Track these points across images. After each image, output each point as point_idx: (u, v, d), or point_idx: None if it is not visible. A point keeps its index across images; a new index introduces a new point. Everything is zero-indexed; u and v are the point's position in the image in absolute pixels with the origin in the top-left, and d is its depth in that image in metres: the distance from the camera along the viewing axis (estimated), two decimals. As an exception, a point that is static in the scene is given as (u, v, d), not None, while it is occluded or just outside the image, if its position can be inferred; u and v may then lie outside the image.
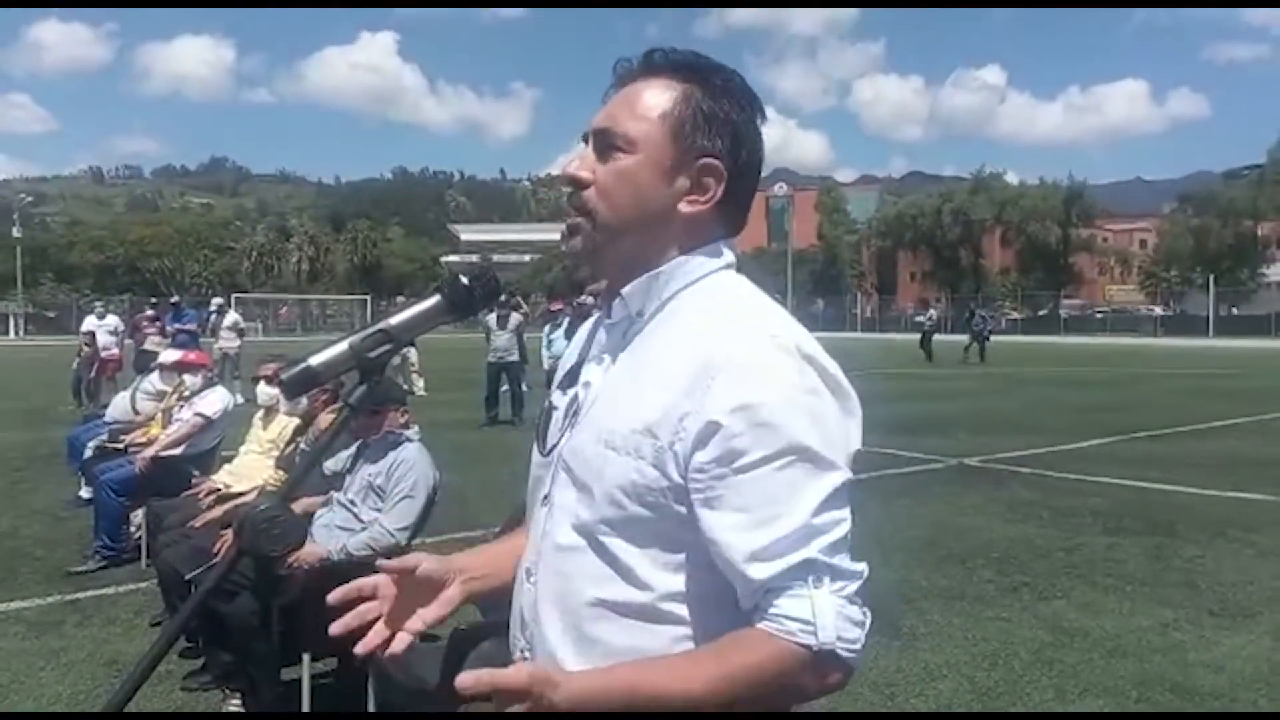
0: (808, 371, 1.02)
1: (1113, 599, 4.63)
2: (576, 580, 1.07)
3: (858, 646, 0.99)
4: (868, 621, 1.01)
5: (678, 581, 1.04)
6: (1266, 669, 3.74)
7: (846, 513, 1.02)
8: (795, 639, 0.97)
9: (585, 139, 1.14)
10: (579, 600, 1.07)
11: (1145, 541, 5.74)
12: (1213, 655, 3.87)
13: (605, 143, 1.11)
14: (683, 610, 1.04)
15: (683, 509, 1.02)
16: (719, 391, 0.99)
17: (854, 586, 1.00)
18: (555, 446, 1.14)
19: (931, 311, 30.04)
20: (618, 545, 1.05)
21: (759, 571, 0.98)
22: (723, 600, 1.03)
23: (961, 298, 59.22)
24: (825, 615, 0.97)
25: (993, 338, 26.55)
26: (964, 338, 26.18)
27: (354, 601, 1.16)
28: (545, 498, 1.14)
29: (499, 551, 1.27)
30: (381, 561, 1.19)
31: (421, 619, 1.16)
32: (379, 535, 3.38)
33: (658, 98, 1.10)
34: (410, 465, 3.52)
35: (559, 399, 1.18)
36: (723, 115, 1.10)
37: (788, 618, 0.97)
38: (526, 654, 1.14)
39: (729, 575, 1.01)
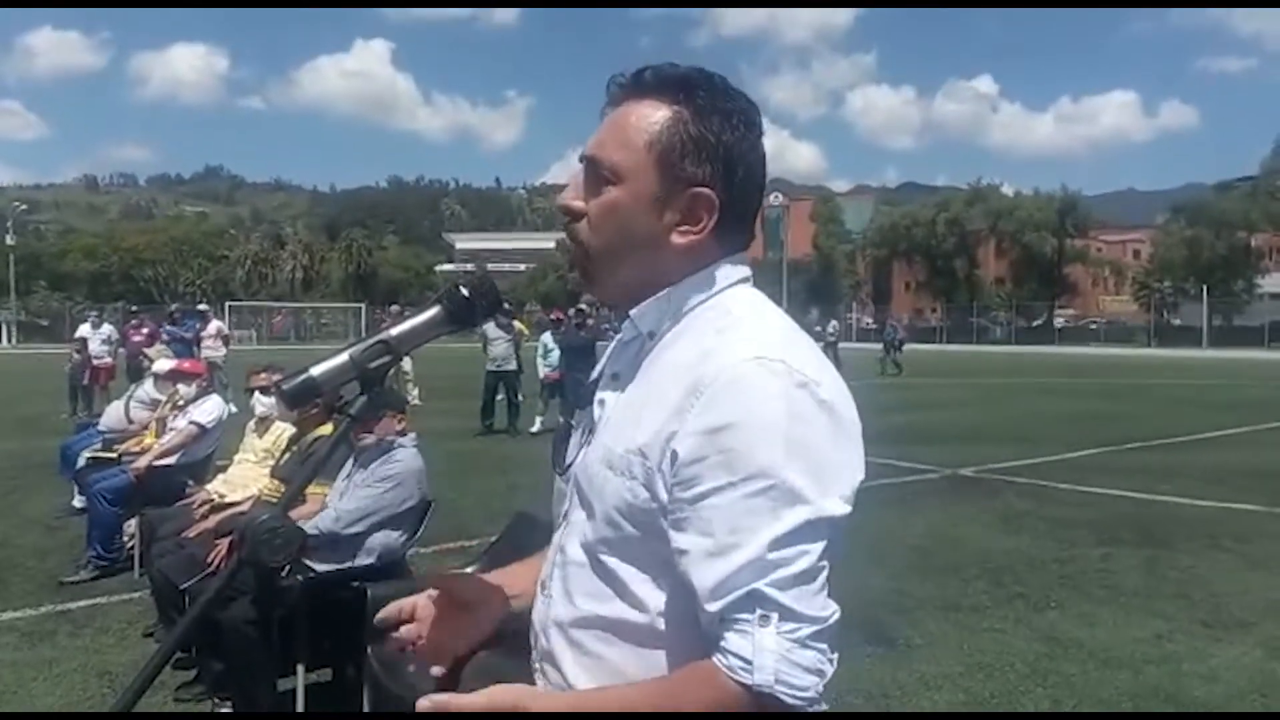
0: (796, 396, 0.98)
1: (1107, 610, 4.64)
2: (579, 596, 1.08)
3: (810, 694, 0.94)
4: (829, 669, 0.96)
5: (673, 603, 1.02)
6: (1260, 680, 3.75)
7: (817, 549, 0.96)
8: (735, 676, 0.94)
9: (582, 160, 1.13)
10: (581, 616, 1.07)
11: (1139, 552, 5.76)
12: (1206, 666, 3.88)
13: (595, 172, 1.09)
14: (678, 631, 1.02)
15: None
16: (698, 412, 0.98)
17: (809, 630, 0.94)
18: (571, 465, 1.14)
19: (834, 323, 31.05)
20: (615, 564, 1.05)
21: (712, 603, 0.95)
22: None
23: (957, 307, 59.43)
24: (764, 656, 0.93)
25: (905, 347, 27.71)
26: (960, 348, 26.34)
27: (395, 622, 1.22)
28: (565, 514, 1.15)
29: (535, 570, 1.26)
30: (431, 585, 1.21)
31: (468, 642, 1.21)
32: (325, 516, 3.48)
33: (644, 123, 1.07)
34: (397, 464, 3.58)
35: (578, 417, 1.18)
36: (714, 138, 1.06)
37: (731, 653, 0.94)
38: (539, 664, 1.15)
39: (692, 600, 0.98)
